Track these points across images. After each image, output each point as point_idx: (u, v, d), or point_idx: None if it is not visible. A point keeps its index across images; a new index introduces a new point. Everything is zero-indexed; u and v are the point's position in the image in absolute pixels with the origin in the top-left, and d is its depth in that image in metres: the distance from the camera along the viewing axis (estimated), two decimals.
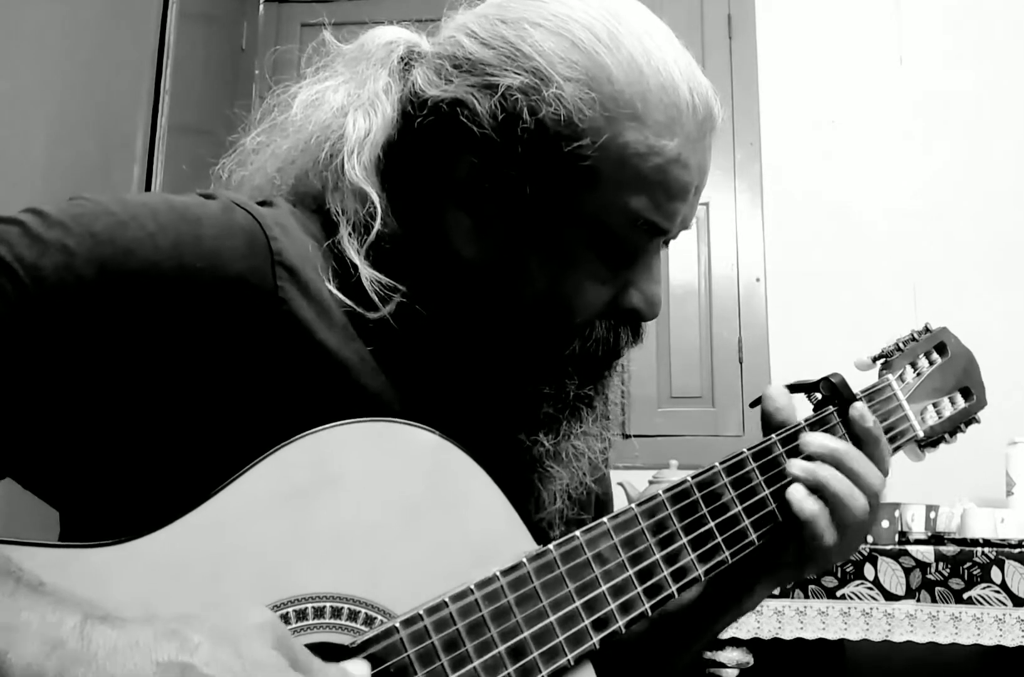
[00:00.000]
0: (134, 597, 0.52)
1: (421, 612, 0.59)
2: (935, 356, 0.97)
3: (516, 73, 0.69)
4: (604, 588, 0.67)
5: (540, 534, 0.74)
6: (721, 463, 0.76)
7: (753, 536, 0.76)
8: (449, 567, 0.62)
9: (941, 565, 1.89)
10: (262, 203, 0.71)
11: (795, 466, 0.77)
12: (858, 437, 0.81)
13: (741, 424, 2.76)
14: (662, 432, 2.74)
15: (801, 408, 0.83)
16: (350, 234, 0.71)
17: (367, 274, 0.69)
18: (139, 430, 0.61)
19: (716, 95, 0.74)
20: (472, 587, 0.61)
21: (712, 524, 0.74)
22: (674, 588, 0.71)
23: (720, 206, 2.90)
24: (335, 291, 0.68)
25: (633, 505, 0.71)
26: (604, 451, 0.84)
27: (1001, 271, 2.69)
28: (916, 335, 0.97)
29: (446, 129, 0.71)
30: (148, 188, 2.54)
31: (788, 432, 0.80)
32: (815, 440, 0.78)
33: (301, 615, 0.57)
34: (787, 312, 2.80)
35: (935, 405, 0.95)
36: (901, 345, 0.95)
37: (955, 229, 2.74)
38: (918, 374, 0.94)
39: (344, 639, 0.58)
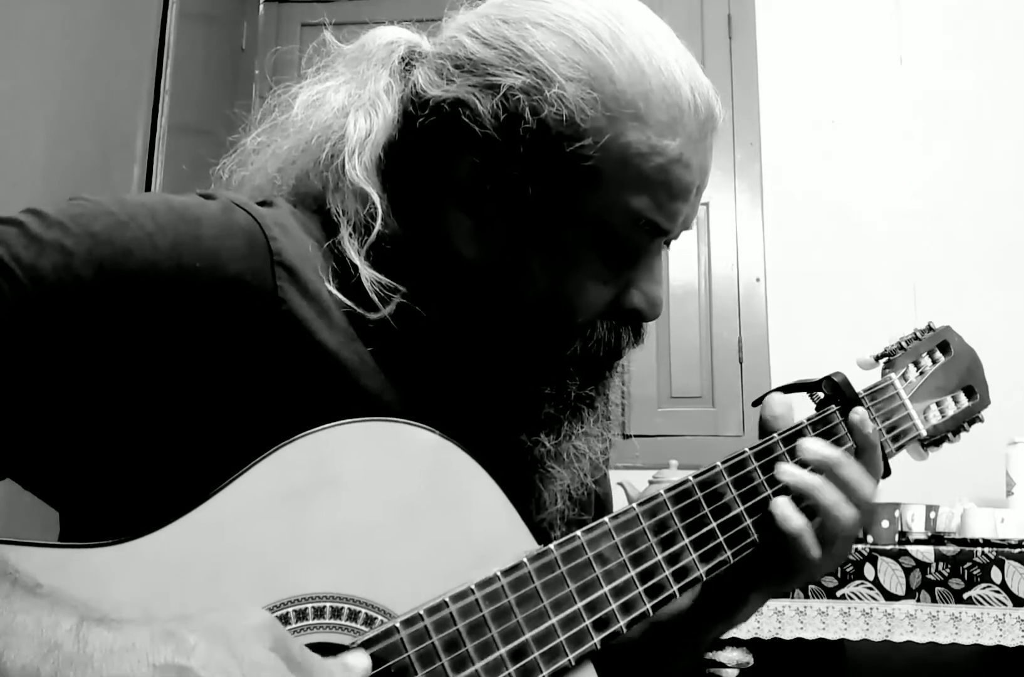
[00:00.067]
0: (133, 597, 0.52)
1: (421, 612, 0.59)
2: (938, 355, 0.96)
3: (518, 73, 0.69)
4: (605, 588, 0.67)
5: (541, 534, 0.74)
6: (723, 462, 0.76)
7: (755, 536, 0.76)
8: (450, 567, 0.62)
9: (941, 565, 1.89)
10: (262, 203, 0.71)
11: (785, 472, 0.76)
12: (857, 442, 0.81)
13: (741, 424, 2.76)
14: (662, 432, 2.74)
15: (802, 408, 0.83)
16: (350, 234, 0.70)
17: (367, 274, 0.69)
18: (139, 430, 0.61)
19: (717, 95, 0.73)
20: (473, 587, 0.61)
21: (714, 524, 0.74)
22: (676, 588, 0.70)
23: (720, 206, 2.90)
24: (335, 291, 0.68)
25: (634, 505, 0.70)
26: (605, 451, 0.84)
27: (1001, 271, 2.69)
28: (919, 334, 0.96)
29: (447, 129, 0.71)
30: (148, 188, 2.54)
31: (790, 432, 0.79)
32: (810, 446, 0.78)
33: (301, 615, 0.57)
34: (787, 312, 2.80)
35: (938, 404, 0.94)
36: (904, 344, 0.94)
37: (955, 229, 2.74)
38: (921, 373, 0.94)
39: (344, 639, 0.58)
